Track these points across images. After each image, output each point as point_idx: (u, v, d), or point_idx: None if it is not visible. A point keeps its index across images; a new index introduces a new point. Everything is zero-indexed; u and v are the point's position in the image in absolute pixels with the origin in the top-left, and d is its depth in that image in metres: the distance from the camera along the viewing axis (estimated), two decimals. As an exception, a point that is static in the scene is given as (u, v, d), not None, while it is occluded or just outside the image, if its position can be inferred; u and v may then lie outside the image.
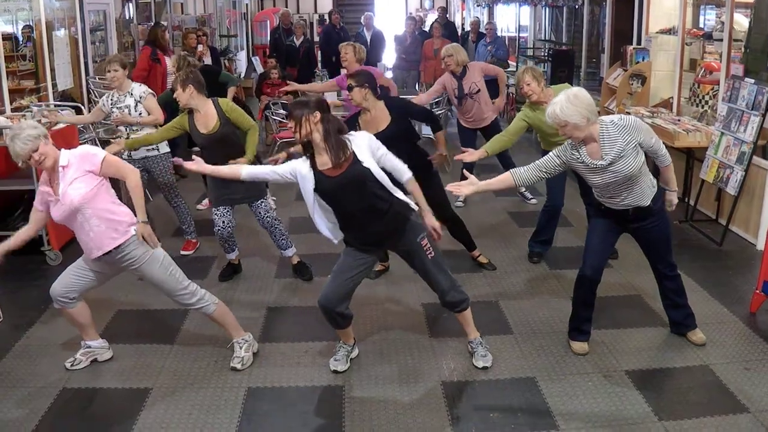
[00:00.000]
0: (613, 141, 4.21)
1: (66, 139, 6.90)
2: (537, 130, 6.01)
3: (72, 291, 4.48)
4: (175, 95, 5.56)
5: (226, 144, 5.62)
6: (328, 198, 4.20)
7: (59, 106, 7.96)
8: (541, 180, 4.57)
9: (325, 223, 4.32)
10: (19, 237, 4.40)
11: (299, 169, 4.19)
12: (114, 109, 6.34)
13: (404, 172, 4.37)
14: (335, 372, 4.56)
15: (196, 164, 4.58)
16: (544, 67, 14.08)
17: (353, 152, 4.14)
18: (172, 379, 4.52)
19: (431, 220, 4.43)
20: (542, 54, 14.87)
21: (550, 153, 4.47)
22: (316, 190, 4.16)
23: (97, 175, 4.23)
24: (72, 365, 4.62)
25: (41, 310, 5.47)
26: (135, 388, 4.43)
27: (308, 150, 4.18)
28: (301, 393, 4.39)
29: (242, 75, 17.45)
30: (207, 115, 5.60)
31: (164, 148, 6.51)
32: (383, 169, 4.23)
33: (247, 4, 21.63)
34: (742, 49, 7.28)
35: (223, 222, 5.86)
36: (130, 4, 12.59)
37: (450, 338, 4.96)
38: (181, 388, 4.42)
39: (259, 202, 5.86)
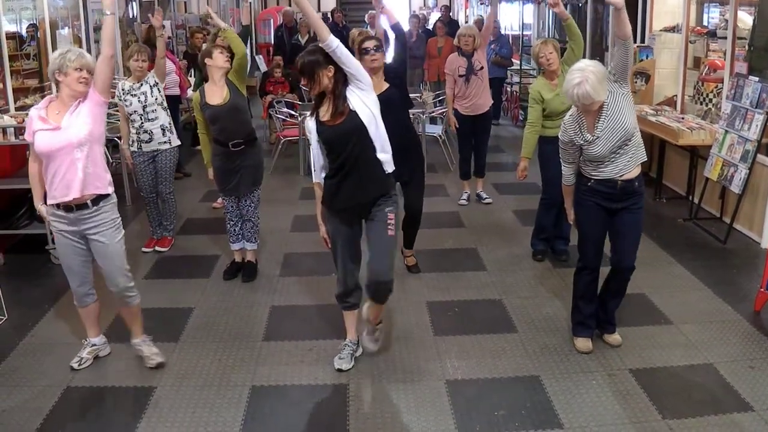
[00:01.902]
0: (607, 110, 4.29)
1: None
2: (548, 107, 6.01)
3: (87, 280, 4.51)
4: (209, 59, 5.63)
5: (238, 112, 5.73)
6: (327, 146, 4.24)
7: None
8: (574, 173, 4.63)
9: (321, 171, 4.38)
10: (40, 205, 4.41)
11: (309, 126, 4.29)
12: (128, 97, 6.41)
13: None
14: (340, 370, 4.57)
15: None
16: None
17: (349, 105, 4.17)
18: (176, 378, 4.52)
19: None
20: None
21: (560, 145, 4.56)
22: (324, 139, 4.23)
23: (99, 102, 4.24)
24: (80, 365, 4.62)
25: (45, 309, 5.48)
26: (139, 386, 4.43)
27: (318, 103, 4.23)
28: (305, 391, 4.39)
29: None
30: (220, 86, 5.67)
31: (175, 141, 6.59)
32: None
33: (250, 3, 21.62)
34: (746, 47, 7.26)
35: (231, 207, 6.00)
36: (134, 3, 12.59)
37: (454, 337, 4.95)
38: (185, 386, 4.43)
39: (251, 192, 5.95)
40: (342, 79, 4.14)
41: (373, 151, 4.23)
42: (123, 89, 6.44)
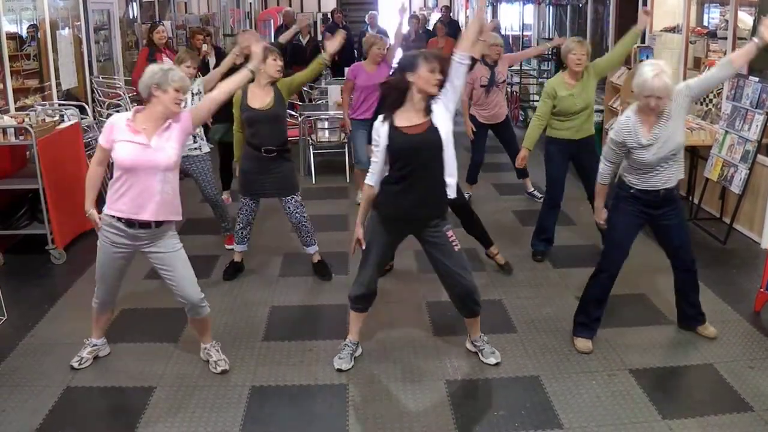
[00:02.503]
0: (667, 118, 4.34)
1: (70, 138, 6.90)
2: (559, 105, 6.00)
3: (115, 292, 4.56)
4: (262, 65, 5.44)
5: (276, 121, 5.71)
6: (396, 154, 4.20)
7: (63, 105, 7.97)
8: (613, 173, 4.66)
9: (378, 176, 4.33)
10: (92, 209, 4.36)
11: (381, 131, 4.21)
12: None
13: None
14: (339, 370, 4.57)
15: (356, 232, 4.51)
16: (547, 66, 14.08)
17: (431, 118, 4.18)
18: (176, 378, 4.52)
19: None
20: (546, 53, 14.82)
21: (608, 143, 4.54)
22: (393, 145, 4.18)
23: (189, 131, 4.27)
24: (80, 364, 4.62)
25: (45, 309, 5.48)
26: (139, 387, 4.43)
27: (393, 108, 4.18)
28: (304, 391, 4.39)
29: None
30: (265, 91, 5.63)
31: (205, 147, 6.47)
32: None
33: (250, 3, 21.64)
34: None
35: (248, 209, 5.94)
36: (134, 4, 12.59)
37: (454, 337, 4.95)
38: (185, 386, 4.43)
39: (290, 197, 5.85)
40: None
41: (441, 171, 4.22)
42: None
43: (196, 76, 6.42)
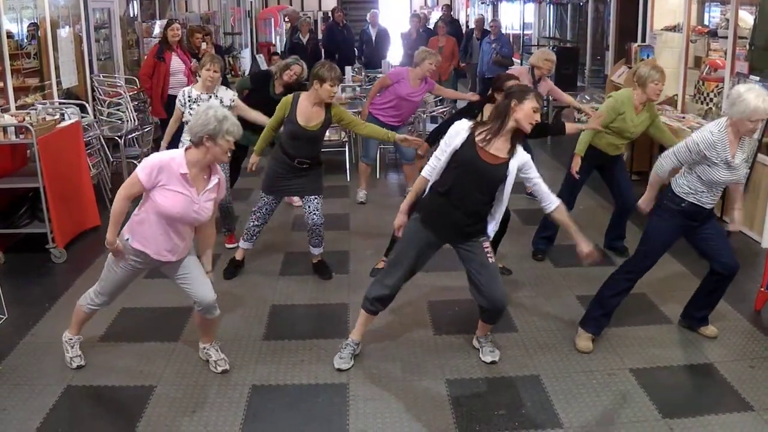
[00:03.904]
0: (746, 147, 4.48)
1: (71, 136, 6.91)
2: (619, 123, 5.88)
3: (116, 298, 4.54)
4: (317, 84, 5.43)
5: (316, 142, 5.70)
6: (462, 170, 4.21)
7: (64, 104, 7.97)
8: (675, 167, 4.67)
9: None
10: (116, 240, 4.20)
11: (460, 132, 4.23)
12: (193, 106, 6.05)
13: (553, 201, 4.35)
14: (339, 370, 4.57)
15: (398, 218, 4.56)
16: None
17: (510, 158, 4.19)
18: (176, 377, 4.52)
19: (586, 247, 4.37)
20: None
21: (690, 141, 4.49)
22: (460, 155, 4.20)
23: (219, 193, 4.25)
24: (82, 360, 4.61)
25: (46, 308, 5.48)
26: (139, 385, 4.43)
27: (497, 132, 4.17)
28: (305, 390, 4.39)
29: (246, 72, 17.47)
30: (315, 111, 5.56)
31: None
32: (531, 194, 4.49)
33: (251, 2, 21.63)
34: (747, 47, 7.26)
35: (268, 207, 5.92)
36: (135, 2, 12.57)
37: (454, 336, 4.95)
38: (185, 386, 4.43)
39: (314, 197, 5.86)
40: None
41: (489, 208, 4.32)
42: (189, 97, 6.18)
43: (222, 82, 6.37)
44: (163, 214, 4.04)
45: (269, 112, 5.84)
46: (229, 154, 4.09)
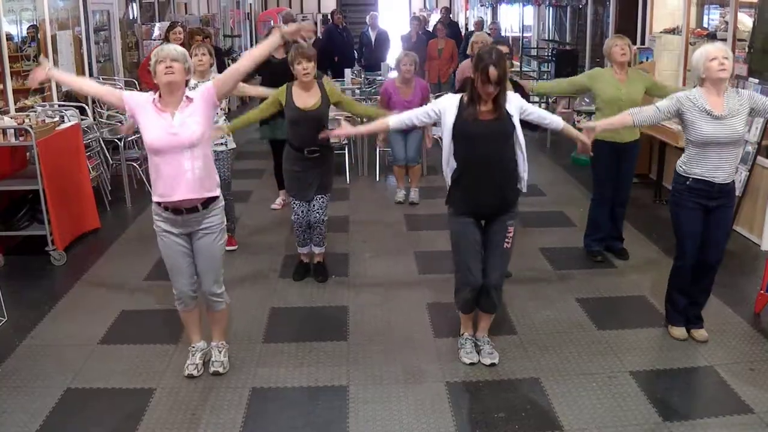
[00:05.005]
0: (733, 99, 4.52)
1: (70, 139, 6.91)
2: (603, 93, 6.07)
3: (194, 280, 4.44)
4: (299, 67, 5.51)
5: (318, 123, 5.61)
6: (466, 139, 4.31)
7: (63, 106, 7.97)
8: (657, 122, 4.85)
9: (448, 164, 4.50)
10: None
11: (446, 106, 4.38)
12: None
13: (555, 119, 4.59)
14: (472, 364, 4.62)
15: (343, 129, 4.96)
16: (547, 67, 14.07)
17: (506, 108, 4.31)
18: (176, 380, 4.52)
19: (583, 137, 4.68)
20: (546, 54, 14.85)
21: (671, 97, 4.67)
22: (458, 128, 4.31)
23: (214, 103, 4.21)
24: (197, 371, 4.55)
25: (45, 311, 5.47)
26: (139, 388, 4.43)
27: (468, 94, 4.31)
28: (305, 393, 4.39)
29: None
30: (311, 92, 5.61)
31: (231, 143, 6.42)
32: (530, 123, 4.50)
33: (251, 4, 21.64)
34: (747, 49, 7.27)
35: (302, 212, 5.89)
36: (134, 4, 12.59)
37: (454, 338, 4.95)
38: (185, 388, 4.42)
39: (320, 196, 5.86)
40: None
41: (514, 161, 4.39)
42: (188, 87, 6.22)
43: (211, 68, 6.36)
44: (150, 149, 4.11)
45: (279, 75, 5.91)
46: (173, 73, 4.06)
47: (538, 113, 4.53)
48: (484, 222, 4.54)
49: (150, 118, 4.08)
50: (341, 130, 4.96)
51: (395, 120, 4.63)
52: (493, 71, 4.11)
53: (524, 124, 4.45)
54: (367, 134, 4.69)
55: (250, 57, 4.20)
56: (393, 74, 12.53)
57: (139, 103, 4.13)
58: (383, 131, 4.56)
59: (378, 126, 4.89)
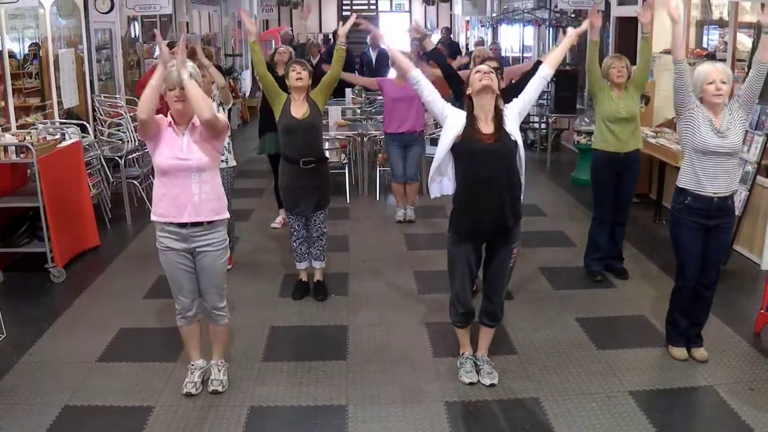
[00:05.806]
0: (727, 116, 4.58)
1: (71, 156, 6.92)
2: (602, 107, 6.17)
3: (196, 297, 4.45)
4: (293, 73, 5.62)
5: (312, 130, 5.75)
6: (470, 158, 4.31)
7: (64, 123, 7.99)
8: (682, 83, 4.93)
9: (440, 178, 4.52)
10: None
11: (455, 118, 4.40)
12: None
13: (538, 64, 4.75)
14: (471, 384, 4.59)
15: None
16: (547, 87, 14.10)
17: (505, 124, 4.34)
18: (174, 398, 4.50)
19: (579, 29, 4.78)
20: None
21: (682, 93, 4.86)
22: (461, 146, 4.31)
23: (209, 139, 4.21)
24: (196, 389, 4.53)
25: (44, 327, 5.46)
26: (137, 406, 4.41)
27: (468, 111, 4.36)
28: (303, 412, 4.37)
29: (247, 94, 17.57)
30: (303, 103, 5.69)
31: (231, 161, 6.44)
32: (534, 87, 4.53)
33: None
34: (746, 69, 7.29)
35: (299, 225, 5.94)
36: (136, 23, 12.66)
37: (454, 358, 4.93)
38: (183, 406, 4.40)
39: (320, 211, 5.91)
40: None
41: (517, 175, 4.40)
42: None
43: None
44: (158, 168, 4.17)
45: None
46: (181, 102, 4.09)
47: (526, 88, 4.53)
48: (487, 245, 4.54)
49: (166, 138, 4.16)
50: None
51: (417, 71, 4.56)
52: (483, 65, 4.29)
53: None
54: (394, 54, 4.69)
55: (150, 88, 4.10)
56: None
57: (160, 126, 4.19)
58: (404, 66, 4.51)
59: (403, 60, 4.75)
